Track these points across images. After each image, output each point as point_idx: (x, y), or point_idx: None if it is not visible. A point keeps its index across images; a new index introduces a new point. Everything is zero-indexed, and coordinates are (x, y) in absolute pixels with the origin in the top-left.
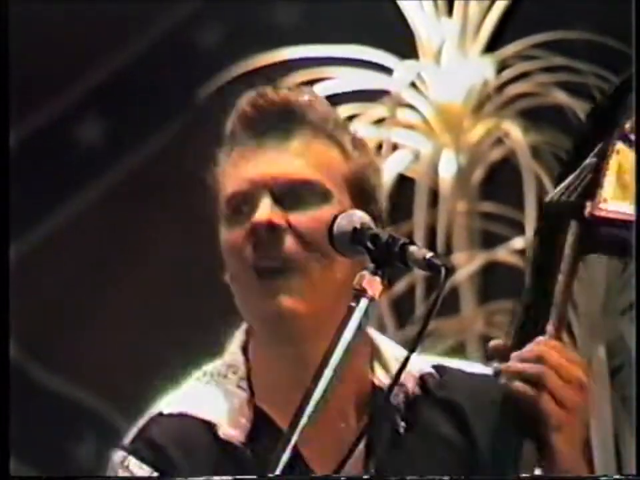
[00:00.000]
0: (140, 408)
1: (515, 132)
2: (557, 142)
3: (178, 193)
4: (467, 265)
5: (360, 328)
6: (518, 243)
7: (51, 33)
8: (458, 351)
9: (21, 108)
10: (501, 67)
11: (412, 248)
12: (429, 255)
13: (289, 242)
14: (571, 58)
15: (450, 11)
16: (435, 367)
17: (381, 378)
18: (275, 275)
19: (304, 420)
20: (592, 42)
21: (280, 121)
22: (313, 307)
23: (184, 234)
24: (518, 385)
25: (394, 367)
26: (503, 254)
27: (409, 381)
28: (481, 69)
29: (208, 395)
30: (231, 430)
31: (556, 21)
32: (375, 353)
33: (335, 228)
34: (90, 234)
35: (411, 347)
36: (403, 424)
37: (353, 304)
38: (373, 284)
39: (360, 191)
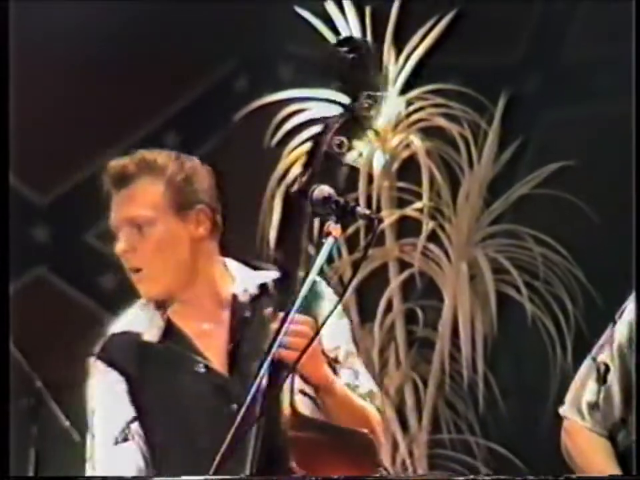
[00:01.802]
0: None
1: (416, 141)
2: (441, 148)
3: None
4: (388, 217)
5: (330, 255)
6: (417, 205)
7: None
8: (381, 269)
9: None
10: (408, 103)
11: (358, 208)
12: (367, 211)
13: (135, 258)
14: (447, 99)
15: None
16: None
17: (234, 289)
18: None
19: None
20: (460, 91)
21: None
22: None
23: None
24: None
25: (242, 280)
26: (409, 211)
27: (251, 287)
28: (398, 105)
29: (138, 316)
30: (148, 336)
31: (438, 77)
32: (230, 274)
33: (313, 197)
34: None
35: (356, 266)
36: (248, 313)
37: (324, 241)
38: (335, 229)
39: (182, 199)
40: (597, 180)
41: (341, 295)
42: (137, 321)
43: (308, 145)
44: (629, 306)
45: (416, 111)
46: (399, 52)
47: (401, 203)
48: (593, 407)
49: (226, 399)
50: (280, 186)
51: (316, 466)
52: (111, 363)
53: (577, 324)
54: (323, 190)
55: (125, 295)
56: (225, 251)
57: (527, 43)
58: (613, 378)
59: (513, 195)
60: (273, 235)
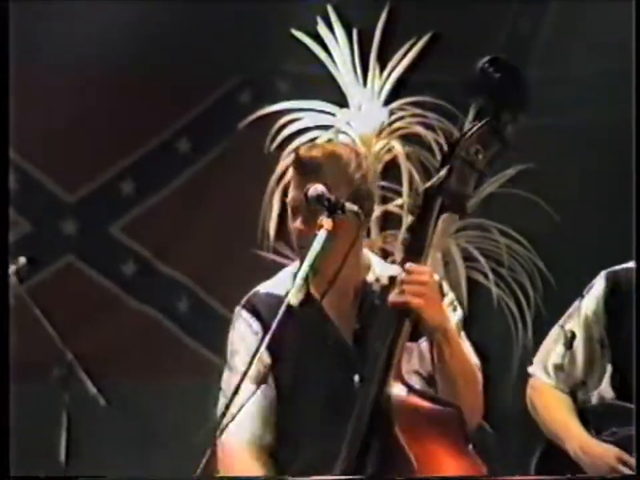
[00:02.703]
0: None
1: (397, 146)
2: (419, 152)
3: None
4: (374, 213)
5: (324, 245)
6: (398, 202)
7: None
8: None
9: None
10: (391, 113)
11: (347, 204)
12: (355, 207)
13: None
14: (424, 110)
15: (365, 83)
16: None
17: (369, 277)
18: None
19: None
20: (435, 103)
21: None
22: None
23: None
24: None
25: (377, 271)
26: (391, 207)
27: (383, 278)
28: (381, 114)
29: (285, 281)
30: (291, 299)
31: (416, 90)
32: (369, 264)
33: (309, 194)
34: None
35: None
36: (377, 301)
37: (317, 233)
38: (327, 222)
39: (356, 193)
40: (555, 181)
41: (331, 280)
42: (283, 285)
43: (445, 148)
44: (597, 282)
45: (397, 120)
46: (382, 68)
47: (384, 200)
48: (558, 368)
49: (349, 369)
50: (278, 185)
51: (416, 434)
52: (254, 314)
53: (537, 305)
54: (317, 188)
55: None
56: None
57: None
58: (578, 344)
59: (482, 192)
60: (272, 228)
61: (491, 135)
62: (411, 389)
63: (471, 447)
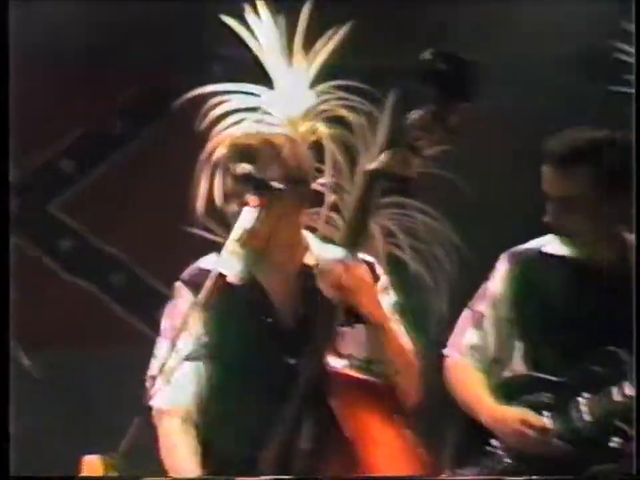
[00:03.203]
0: None
1: (322, 128)
2: (343, 134)
3: None
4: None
5: (251, 222)
6: (322, 180)
7: None
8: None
9: None
10: (318, 96)
11: (272, 183)
12: (280, 186)
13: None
14: (348, 93)
15: (291, 66)
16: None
17: (309, 260)
18: None
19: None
20: (359, 86)
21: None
22: None
23: None
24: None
25: (316, 253)
26: (315, 186)
27: (323, 261)
28: (307, 97)
29: (227, 260)
30: (232, 278)
31: (341, 74)
32: (308, 246)
33: (237, 173)
34: None
35: None
36: (316, 283)
37: (247, 208)
38: (253, 200)
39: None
40: (471, 161)
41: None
42: (225, 263)
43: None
44: (500, 264)
45: (323, 102)
46: (308, 52)
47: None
48: (472, 348)
49: (287, 351)
50: (207, 164)
51: (350, 405)
52: (193, 289)
53: (452, 279)
54: (244, 167)
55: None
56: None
57: (417, 47)
58: (488, 324)
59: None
60: (200, 203)
61: (433, 121)
62: (345, 362)
63: (401, 418)
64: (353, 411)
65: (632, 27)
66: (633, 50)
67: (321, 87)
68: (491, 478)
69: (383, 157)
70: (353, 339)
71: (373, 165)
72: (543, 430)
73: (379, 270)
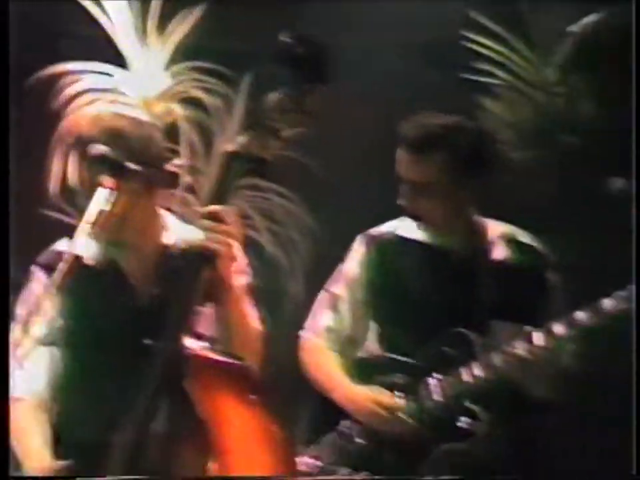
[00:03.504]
0: None
1: (177, 109)
2: (198, 115)
3: None
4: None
5: (105, 203)
6: (178, 162)
7: None
8: None
9: None
10: (173, 77)
11: (128, 164)
12: (136, 167)
13: None
14: (204, 75)
15: (146, 47)
16: None
17: (168, 241)
18: None
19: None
20: (215, 68)
21: None
22: None
23: None
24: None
25: (175, 234)
26: (170, 167)
27: (182, 241)
28: (162, 78)
29: (84, 241)
30: (88, 260)
31: (197, 56)
32: (166, 227)
33: (91, 153)
34: None
35: None
36: (176, 264)
37: (101, 190)
38: (108, 181)
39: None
40: (327, 145)
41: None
42: (81, 245)
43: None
44: (356, 247)
45: (177, 84)
46: (162, 33)
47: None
48: (327, 330)
49: (145, 333)
50: (61, 143)
51: (205, 386)
52: (49, 273)
53: (308, 261)
54: (98, 148)
55: None
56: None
57: (273, 30)
58: (344, 306)
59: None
60: (54, 185)
61: (290, 104)
62: (201, 342)
63: (256, 398)
64: (208, 392)
65: (479, 17)
66: (481, 39)
67: (175, 68)
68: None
69: (240, 139)
70: (209, 320)
71: (230, 147)
72: (394, 409)
73: (236, 251)
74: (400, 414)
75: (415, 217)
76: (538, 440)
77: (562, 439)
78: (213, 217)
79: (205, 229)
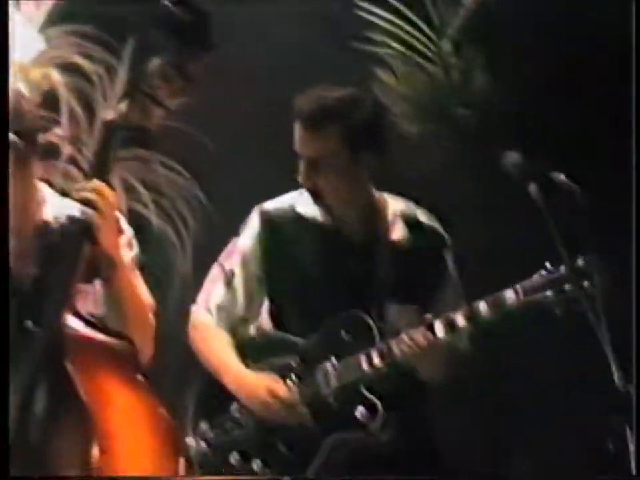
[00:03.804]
0: None
1: (55, 76)
2: (78, 84)
3: None
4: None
5: None
6: (58, 132)
7: None
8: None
9: None
10: (48, 41)
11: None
12: (16, 139)
13: None
14: (82, 40)
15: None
16: None
17: (47, 216)
18: None
19: None
20: (96, 34)
21: None
22: None
23: None
24: None
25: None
26: (51, 137)
27: (62, 216)
28: (37, 41)
29: None
30: None
31: (76, 19)
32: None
33: None
34: None
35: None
36: (55, 240)
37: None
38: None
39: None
40: (215, 114)
41: None
42: None
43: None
44: (251, 220)
45: (54, 48)
46: None
47: (44, 130)
48: (219, 307)
49: (23, 315)
50: None
51: (87, 367)
52: None
53: (197, 237)
54: None
55: None
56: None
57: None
58: (238, 282)
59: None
60: None
61: (173, 71)
62: (84, 322)
63: (141, 378)
64: (91, 373)
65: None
66: (375, 9)
67: (51, 32)
68: None
69: (121, 107)
70: (92, 297)
71: (110, 116)
72: (287, 400)
73: (124, 224)
74: (293, 404)
75: (313, 194)
76: (433, 428)
77: (456, 426)
78: (95, 189)
79: (86, 202)
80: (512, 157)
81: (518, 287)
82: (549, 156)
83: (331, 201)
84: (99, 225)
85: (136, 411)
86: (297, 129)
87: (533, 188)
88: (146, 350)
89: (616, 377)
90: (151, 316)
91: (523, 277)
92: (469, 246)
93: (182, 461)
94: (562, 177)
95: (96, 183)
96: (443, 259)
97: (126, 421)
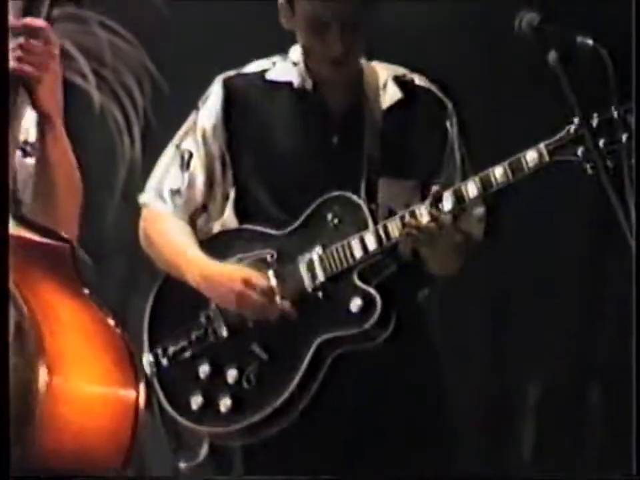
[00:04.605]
0: None
1: None
2: None
3: None
4: None
5: None
6: None
7: None
8: None
9: None
10: None
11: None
12: None
13: None
14: None
15: None
16: None
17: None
18: None
19: None
20: None
21: None
22: None
23: None
24: None
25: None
26: None
27: None
28: None
29: None
30: None
31: None
32: None
33: None
34: None
35: None
36: None
37: None
38: None
39: None
40: None
41: None
42: None
43: None
44: (213, 92)
45: None
46: None
47: None
48: (175, 192)
49: None
50: None
51: (26, 274)
52: None
53: (146, 114)
54: None
55: None
56: None
57: None
58: (196, 164)
59: None
60: None
61: None
62: (21, 220)
63: (85, 286)
64: (30, 280)
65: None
66: None
67: None
68: None
69: None
70: (22, 178)
71: None
72: (268, 289)
73: (58, 79)
74: (274, 294)
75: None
76: (434, 331)
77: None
78: (28, 31)
79: (17, 48)
80: (527, 16)
81: (542, 146)
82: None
83: (313, 63)
84: (35, 77)
85: (84, 326)
86: None
87: (552, 56)
88: (71, 234)
89: None
90: (81, 187)
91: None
92: (473, 113)
93: (142, 387)
94: (589, 41)
95: (34, 23)
96: (444, 127)
97: (74, 337)
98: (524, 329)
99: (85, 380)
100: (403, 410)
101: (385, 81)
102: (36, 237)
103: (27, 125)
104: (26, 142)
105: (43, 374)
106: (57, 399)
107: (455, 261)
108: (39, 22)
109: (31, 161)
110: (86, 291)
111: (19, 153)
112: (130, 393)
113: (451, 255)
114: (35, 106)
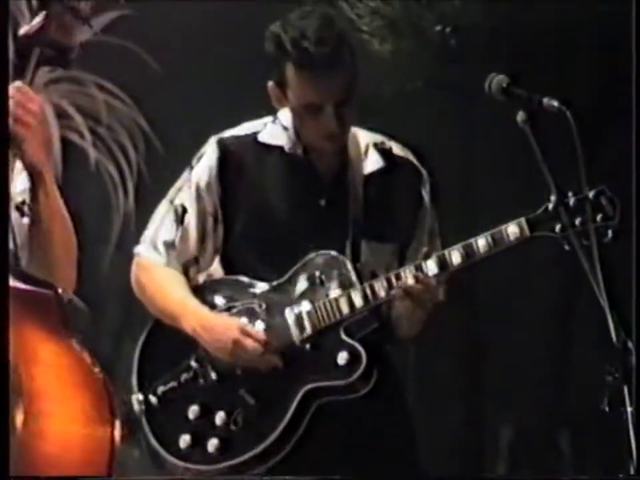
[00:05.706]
0: None
1: None
2: None
3: None
4: None
5: None
6: None
7: None
8: None
9: None
10: None
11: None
12: None
13: None
14: None
15: None
16: None
17: None
18: None
19: None
20: None
21: None
22: None
23: None
24: None
25: None
26: None
27: None
28: None
29: None
30: None
31: None
32: None
33: None
34: None
35: None
36: None
37: None
38: None
39: None
40: (156, 27)
41: None
42: None
43: None
44: (208, 150)
45: None
46: None
47: None
48: (169, 245)
49: None
50: None
51: (15, 324)
52: None
53: (139, 170)
54: None
55: None
56: None
57: None
58: (190, 219)
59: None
60: None
61: None
62: (13, 272)
63: (73, 333)
64: (15, 327)
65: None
66: None
67: None
68: None
69: (35, 21)
70: (20, 237)
71: (24, 30)
72: (262, 341)
73: (46, 137)
74: (268, 346)
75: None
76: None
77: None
78: (17, 90)
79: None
80: (499, 81)
81: (522, 220)
82: (540, 81)
83: (306, 136)
84: (22, 136)
85: (63, 367)
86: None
87: (520, 116)
88: (68, 286)
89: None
90: (75, 243)
91: (511, 214)
92: (447, 180)
93: (117, 423)
94: (554, 103)
95: (22, 87)
96: (420, 194)
97: (56, 379)
98: (496, 379)
99: (62, 417)
100: (379, 460)
101: (367, 147)
102: (21, 285)
103: (23, 186)
104: (23, 202)
105: (19, 413)
106: (33, 435)
107: (422, 323)
108: (17, 84)
109: (27, 220)
110: (69, 334)
111: (15, 213)
112: (106, 429)
113: (421, 317)
114: (23, 161)
